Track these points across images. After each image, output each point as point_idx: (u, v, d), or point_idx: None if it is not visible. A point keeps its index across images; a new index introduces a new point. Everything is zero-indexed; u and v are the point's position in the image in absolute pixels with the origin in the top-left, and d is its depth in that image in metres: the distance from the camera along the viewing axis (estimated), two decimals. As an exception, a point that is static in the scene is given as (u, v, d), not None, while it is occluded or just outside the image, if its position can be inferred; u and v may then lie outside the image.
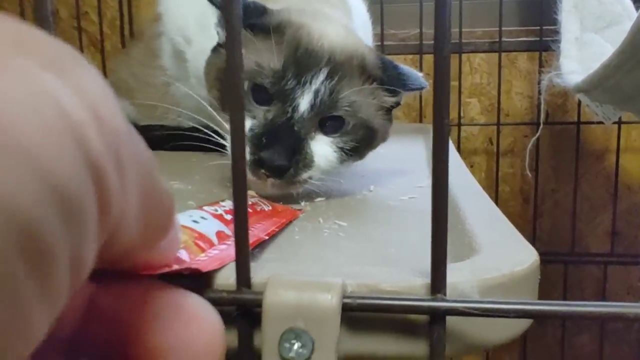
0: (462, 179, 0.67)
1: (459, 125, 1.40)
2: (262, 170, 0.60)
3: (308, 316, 0.25)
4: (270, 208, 0.54)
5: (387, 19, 1.38)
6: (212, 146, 0.67)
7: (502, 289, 0.29)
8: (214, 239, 0.36)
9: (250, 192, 0.57)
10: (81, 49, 1.50)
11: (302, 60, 0.64)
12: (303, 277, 0.27)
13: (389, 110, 0.72)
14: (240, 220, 0.27)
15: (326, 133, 0.65)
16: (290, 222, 0.51)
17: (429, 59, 1.44)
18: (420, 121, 1.41)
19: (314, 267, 0.31)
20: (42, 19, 0.28)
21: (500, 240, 0.38)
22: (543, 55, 1.36)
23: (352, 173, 0.81)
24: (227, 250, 0.34)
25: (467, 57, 1.43)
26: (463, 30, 1.36)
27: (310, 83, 0.63)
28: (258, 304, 0.27)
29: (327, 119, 0.65)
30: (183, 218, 0.37)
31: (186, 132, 0.76)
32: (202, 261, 0.31)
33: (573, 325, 1.44)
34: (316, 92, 0.63)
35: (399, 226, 0.51)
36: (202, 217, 0.39)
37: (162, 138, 0.95)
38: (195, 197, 0.62)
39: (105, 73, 1.45)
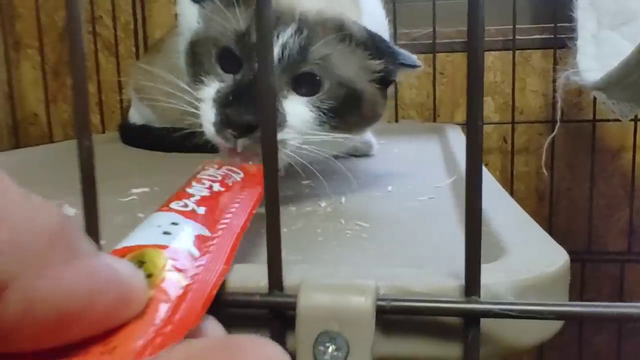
0: (489, 186, 0.66)
1: (473, 124, 1.39)
2: (229, 130, 0.57)
3: (342, 319, 0.25)
4: (241, 175, 0.48)
5: (400, 18, 1.37)
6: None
7: (535, 290, 0.29)
8: (194, 251, 0.31)
9: (216, 162, 0.50)
10: (96, 53, 1.51)
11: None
12: (335, 279, 0.27)
13: (381, 82, 0.68)
14: (272, 224, 0.27)
15: (301, 94, 0.62)
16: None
17: (441, 57, 1.43)
18: (434, 120, 1.41)
19: (343, 269, 0.31)
20: (73, 19, 0.28)
21: (528, 240, 0.37)
22: (558, 52, 1.35)
23: (368, 173, 0.81)
24: (212, 264, 0.30)
25: (481, 55, 1.42)
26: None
27: (277, 37, 0.61)
28: (291, 307, 0.26)
29: (300, 79, 0.62)
30: (151, 232, 0.32)
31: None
32: (194, 294, 0.27)
33: (591, 324, 1.43)
34: (283, 46, 0.60)
35: (422, 227, 0.51)
36: (173, 223, 0.33)
37: (179, 140, 0.96)
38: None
39: (119, 75, 1.46)
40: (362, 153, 0.94)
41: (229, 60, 0.63)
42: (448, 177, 0.76)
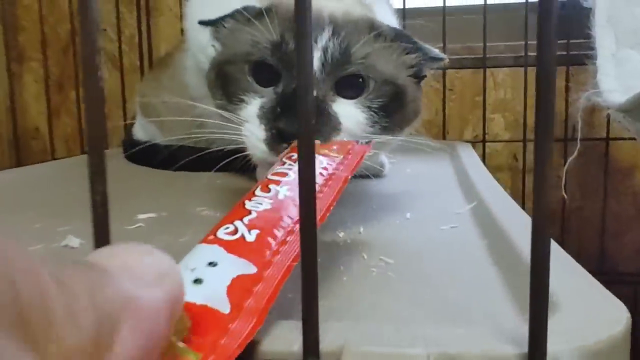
0: (514, 213, 0.63)
1: (484, 141, 1.36)
2: (284, 144, 0.54)
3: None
4: (326, 161, 0.44)
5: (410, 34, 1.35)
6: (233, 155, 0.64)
7: (601, 356, 0.26)
8: (224, 306, 0.27)
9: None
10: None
11: None
12: (381, 346, 0.24)
13: (415, 77, 0.68)
14: (309, 283, 0.24)
15: (348, 97, 0.60)
16: (359, 162, 0.44)
17: (450, 74, 1.41)
18: (444, 138, 1.38)
19: (386, 329, 0.28)
20: (88, 34, 0.25)
21: (582, 292, 0.34)
22: (571, 69, 1.32)
23: (382, 196, 0.78)
24: (243, 322, 0.26)
25: (491, 72, 1.40)
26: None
27: (316, 42, 0.59)
28: (332, 379, 0.24)
29: (344, 82, 0.60)
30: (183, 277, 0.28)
31: (212, 152, 0.74)
32: None
33: None
34: (324, 50, 0.59)
35: (450, 262, 0.48)
36: (211, 264, 0.29)
37: (187, 159, 0.94)
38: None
39: (123, 89, 1.43)
40: (373, 173, 0.91)
41: (265, 74, 0.61)
42: (466, 201, 0.73)
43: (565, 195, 1.23)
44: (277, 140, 0.55)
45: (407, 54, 0.66)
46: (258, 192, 0.37)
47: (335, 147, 0.46)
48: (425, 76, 0.71)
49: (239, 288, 0.28)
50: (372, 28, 0.63)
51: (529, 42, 1.31)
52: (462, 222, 0.61)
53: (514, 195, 1.40)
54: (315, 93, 0.57)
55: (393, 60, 0.64)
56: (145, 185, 0.88)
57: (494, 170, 1.43)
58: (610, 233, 1.38)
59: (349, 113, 0.59)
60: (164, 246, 0.53)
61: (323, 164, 0.43)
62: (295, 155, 0.44)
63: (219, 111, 0.64)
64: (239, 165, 0.72)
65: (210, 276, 0.28)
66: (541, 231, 0.24)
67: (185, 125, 0.99)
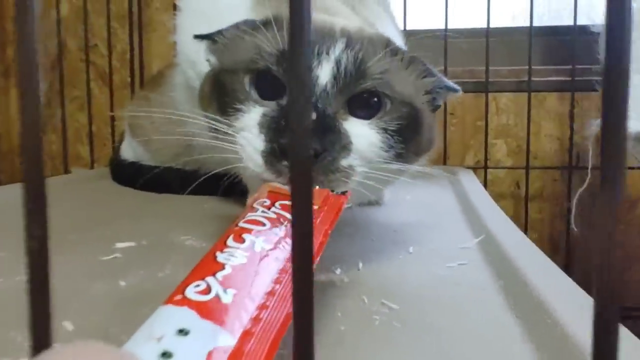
0: (527, 250, 0.58)
1: (485, 167, 1.32)
2: (285, 162, 0.48)
3: None
4: (316, 207, 0.41)
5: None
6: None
7: None
8: None
9: (269, 190, 0.42)
10: (88, 83, 1.44)
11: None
12: None
13: (432, 104, 0.62)
14: (304, 344, 0.19)
15: (360, 117, 0.54)
16: (338, 215, 0.40)
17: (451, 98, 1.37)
18: (444, 163, 1.33)
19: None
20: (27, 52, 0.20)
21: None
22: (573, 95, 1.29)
23: (382, 226, 0.73)
24: None
25: (493, 97, 1.36)
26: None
27: (328, 53, 0.53)
28: None
29: (358, 100, 0.54)
30: (146, 351, 0.23)
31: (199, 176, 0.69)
32: None
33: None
34: (337, 62, 0.53)
35: (462, 309, 0.42)
36: (181, 331, 0.25)
37: (175, 182, 0.89)
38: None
39: (112, 106, 1.38)
40: (372, 201, 0.85)
41: (267, 85, 0.55)
42: (472, 234, 0.68)
43: (575, 228, 1.17)
44: (277, 156, 0.49)
45: (423, 77, 0.61)
46: (230, 242, 0.33)
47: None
48: (439, 106, 0.65)
49: None
50: (388, 45, 0.58)
51: (532, 67, 1.27)
52: (471, 259, 0.56)
53: (515, 224, 1.36)
54: (323, 106, 0.52)
55: (410, 81, 0.59)
56: (128, 209, 0.83)
57: (496, 197, 1.37)
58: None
59: (362, 133, 0.53)
60: (140, 281, 0.47)
61: None
62: (268, 202, 0.40)
63: (211, 122, 0.57)
64: (227, 189, 0.67)
65: (181, 349, 0.23)
66: (607, 324, 0.18)
67: (173, 147, 0.94)
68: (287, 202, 0.39)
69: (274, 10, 0.64)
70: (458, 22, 1.37)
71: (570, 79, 1.27)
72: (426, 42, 1.30)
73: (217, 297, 0.27)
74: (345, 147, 0.51)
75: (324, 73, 0.53)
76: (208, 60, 0.66)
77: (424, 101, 0.61)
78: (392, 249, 0.60)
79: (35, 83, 0.19)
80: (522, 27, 1.40)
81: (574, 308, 0.39)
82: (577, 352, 0.33)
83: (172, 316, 0.26)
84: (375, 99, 0.55)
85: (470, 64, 1.38)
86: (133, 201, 0.90)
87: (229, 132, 0.54)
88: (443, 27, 1.29)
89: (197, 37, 0.66)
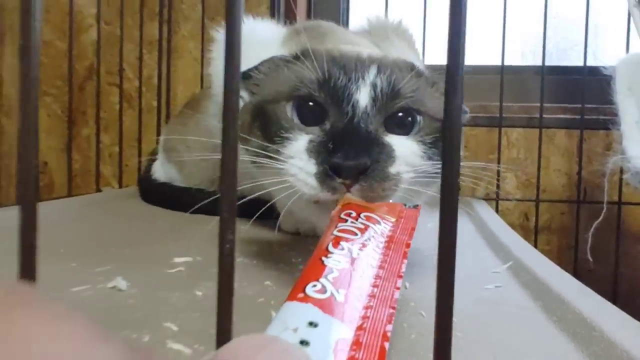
0: (556, 274, 0.62)
1: (497, 199, 1.37)
2: (340, 180, 0.51)
3: None
4: (382, 225, 0.43)
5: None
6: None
7: None
8: None
9: (349, 204, 0.46)
10: (121, 105, 1.49)
11: (346, 64, 0.60)
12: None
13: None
14: (443, 351, 0.23)
15: (397, 134, 0.59)
16: (415, 226, 0.44)
17: (465, 131, 1.42)
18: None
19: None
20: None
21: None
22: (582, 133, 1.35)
23: (411, 250, 0.77)
24: None
25: (505, 131, 1.42)
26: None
27: (364, 78, 0.58)
28: None
29: (393, 119, 0.59)
30: (286, 339, 0.27)
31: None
32: None
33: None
34: (373, 85, 0.58)
35: (510, 325, 0.46)
36: (311, 324, 0.28)
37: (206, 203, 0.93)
38: (269, 276, 0.58)
39: (140, 129, 1.43)
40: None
41: (308, 112, 0.59)
42: (499, 260, 0.72)
43: (590, 258, 1.22)
44: (330, 175, 0.52)
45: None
46: (331, 248, 0.37)
47: (386, 208, 0.46)
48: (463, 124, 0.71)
49: (342, 352, 0.27)
50: (413, 68, 0.63)
51: (544, 105, 1.33)
52: (505, 282, 0.61)
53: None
54: (365, 126, 0.56)
55: (437, 98, 0.64)
56: (169, 227, 0.87)
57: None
58: (622, 298, 1.37)
59: (403, 144, 0.58)
60: (213, 291, 0.51)
61: (381, 224, 0.43)
62: (354, 213, 0.44)
63: (256, 151, 0.60)
64: (262, 213, 0.70)
65: (315, 338, 0.27)
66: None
67: (206, 171, 0.98)
68: (370, 214, 0.43)
69: (302, 45, 0.70)
70: (472, 59, 1.43)
71: (579, 117, 1.33)
72: (442, 78, 1.35)
73: (333, 295, 0.31)
74: (390, 155, 0.55)
75: (363, 96, 0.57)
76: (241, 97, 0.70)
77: None
78: (429, 272, 0.64)
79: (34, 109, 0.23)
80: (534, 66, 1.46)
81: (612, 321, 0.44)
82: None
83: (300, 311, 0.29)
84: (410, 118, 0.60)
85: (485, 99, 1.45)
86: (167, 219, 0.94)
87: (277, 159, 0.57)
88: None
89: None
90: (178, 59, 1.53)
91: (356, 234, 0.39)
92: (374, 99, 0.57)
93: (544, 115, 1.35)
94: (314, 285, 0.32)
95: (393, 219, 0.44)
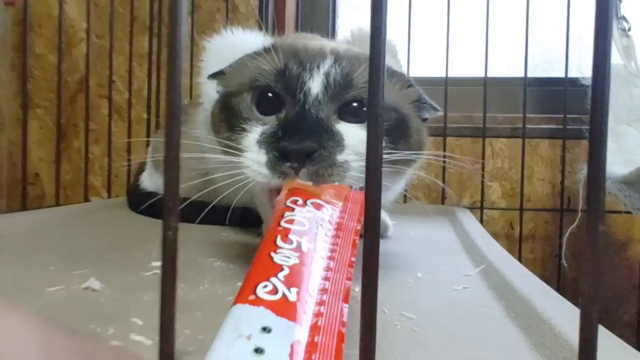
0: (526, 277, 0.64)
1: (482, 208, 1.39)
2: (288, 164, 0.53)
3: None
4: (330, 210, 0.43)
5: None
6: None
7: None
8: None
9: (294, 189, 0.46)
10: (110, 117, 1.51)
11: (304, 56, 0.63)
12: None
13: (418, 113, 0.70)
14: (367, 341, 0.25)
15: (351, 122, 0.61)
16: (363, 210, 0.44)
17: (450, 141, 1.45)
18: (442, 203, 1.40)
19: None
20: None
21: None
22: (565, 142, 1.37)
23: (390, 255, 0.79)
24: None
25: (489, 141, 1.44)
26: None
27: (318, 68, 0.61)
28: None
29: (347, 108, 0.61)
30: (240, 348, 0.27)
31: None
32: None
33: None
34: (327, 74, 0.61)
35: (472, 321, 0.48)
36: (264, 329, 0.28)
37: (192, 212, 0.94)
38: (242, 278, 0.59)
39: (129, 139, 1.45)
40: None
41: (267, 102, 0.62)
42: (473, 264, 0.74)
43: (565, 263, 1.24)
44: (280, 161, 0.54)
45: (407, 87, 0.69)
46: (280, 242, 0.36)
47: (332, 191, 0.46)
48: (427, 119, 0.73)
49: (298, 356, 0.28)
50: None
51: (526, 115, 1.35)
52: (474, 284, 0.62)
53: (510, 263, 1.42)
54: (315, 112, 0.59)
55: (395, 91, 0.66)
56: (151, 234, 0.88)
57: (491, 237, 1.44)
58: (605, 306, 1.39)
59: (353, 132, 0.60)
60: (184, 292, 0.53)
61: (328, 211, 0.42)
62: (300, 200, 0.43)
63: (222, 142, 0.63)
64: (241, 219, 0.72)
65: (269, 344, 0.27)
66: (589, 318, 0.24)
67: (193, 180, 1.00)
68: (317, 200, 0.43)
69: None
70: (457, 71, 1.45)
71: (562, 127, 1.35)
72: (428, 89, 1.40)
73: (285, 296, 0.31)
74: (339, 143, 0.57)
75: (315, 84, 0.60)
76: (218, 92, 0.73)
77: (410, 107, 0.68)
78: (402, 274, 0.66)
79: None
80: (517, 78, 1.49)
81: (563, 316, 0.46)
82: (568, 349, 0.39)
83: (253, 316, 0.29)
84: (364, 108, 0.62)
85: (469, 110, 1.47)
86: (153, 227, 0.96)
87: (237, 153, 0.59)
88: (444, 75, 1.37)
89: (210, 76, 0.73)
90: (168, 72, 1.55)
91: (304, 225, 0.39)
92: (326, 87, 0.60)
93: (528, 126, 1.37)
94: (265, 286, 0.31)
95: (340, 203, 0.44)
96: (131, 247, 0.76)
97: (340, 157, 0.56)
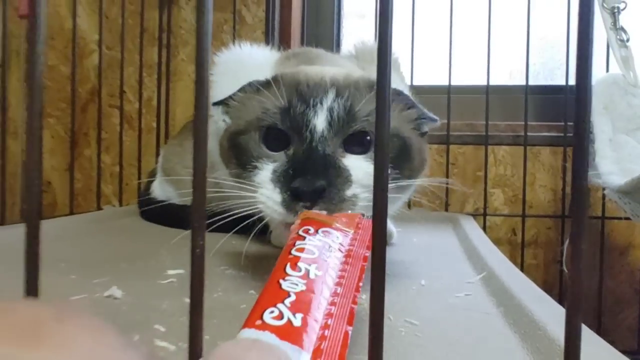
0: (524, 284, 0.67)
1: (485, 215, 1.41)
2: (301, 203, 0.57)
3: None
4: (340, 238, 0.45)
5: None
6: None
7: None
8: None
9: (308, 220, 0.48)
10: (121, 126, 1.54)
11: (306, 91, 0.65)
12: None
13: (418, 130, 0.72)
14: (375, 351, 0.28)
15: (356, 153, 0.64)
16: None
17: (453, 149, 1.47)
18: (446, 210, 1.43)
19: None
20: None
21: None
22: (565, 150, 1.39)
23: (395, 263, 0.81)
24: None
25: (492, 149, 1.47)
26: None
27: (321, 103, 0.63)
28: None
29: (352, 139, 0.64)
30: None
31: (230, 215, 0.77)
32: None
33: None
34: (330, 110, 0.63)
35: (471, 326, 0.51)
36: None
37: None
38: (254, 286, 0.62)
39: (139, 149, 1.48)
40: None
41: (274, 139, 0.65)
42: (475, 271, 0.77)
43: (565, 269, 1.26)
44: (293, 200, 0.58)
45: (408, 108, 0.71)
46: (289, 270, 0.38)
47: (344, 220, 0.48)
48: (427, 132, 0.75)
49: None
50: (372, 86, 0.67)
51: (528, 123, 1.38)
52: (475, 291, 0.65)
53: (512, 268, 1.45)
54: (322, 149, 0.61)
55: (395, 115, 0.68)
56: (165, 243, 0.91)
57: (494, 243, 1.46)
58: (607, 310, 1.41)
59: (359, 165, 0.62)
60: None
61: (339, 239, 0.44)
62: (312, 229, 0.45)
63: (234, 180, 0.66)
64: (253, 229, 0.75)
65: None
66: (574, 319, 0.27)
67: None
68: (328, 229, 0.45)
69: (293, 68, 0.75)
70: (460, 79, 1.48)
71: (562, 134, 1.38)
72: (431, 97, 1.44)
73: (290, 321, 0.33)
74: (347, 179, 0.60)
75: (320, 121, 0.63)
76: (224, 121, 0.76)
77: (410, 129, 0.70)
78: (407, 281, 0.69)
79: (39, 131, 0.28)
80: (519, 86, 1.52)
81: (558, 322, 0.48)
82: (561, 353, 0.41)
83: (259, 339, 0.31)
84: (368, 138, 0.64)
85: (472, 118, 1.50)
86: (164, 236, 0.99)
87: (249, 189, 0.63)
88: (447, 83, 1.40)
89: (215, 104, 0.75)
90: (177, 82, 1.59)
91: (313, 253, 0.41)
92: (331, 123, 0.63)
93: (530, 133, 1.40)
94: (272, 312, 0.33)
95: (351, 231, 0.46)
96: (145, 255, 0.79)
97: (349, 192, 0.59)
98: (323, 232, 0.45)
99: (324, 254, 0.41)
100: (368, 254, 0.44)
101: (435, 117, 0.73)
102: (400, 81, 1.02)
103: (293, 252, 0.42)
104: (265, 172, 0.63)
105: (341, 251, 0.43)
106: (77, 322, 0.19)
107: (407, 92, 0.98)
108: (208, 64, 0.29)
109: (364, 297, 0.60)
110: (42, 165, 0.27)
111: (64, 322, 0.18)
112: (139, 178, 1.46)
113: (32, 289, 0.29)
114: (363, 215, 0.51)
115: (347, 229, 0.47)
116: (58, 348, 0.17)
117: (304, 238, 0.44)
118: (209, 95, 0.29)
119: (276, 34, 1.53)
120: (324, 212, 0.54)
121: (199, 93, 0.29)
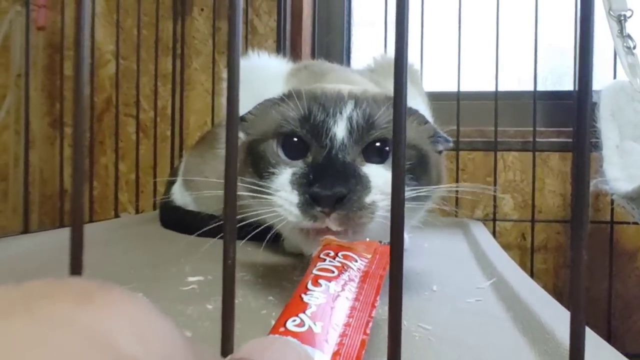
0: (533, 290, 0.69)
1: (494, 220, 1.43)
2: (319, 208, 0.57)
3: None
4: (358, 263, 0.47)
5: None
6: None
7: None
8: None
9: (330, 245, 0.49)
10: (137, 135, 1.57)
11: (325, 101, 0.66)
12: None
13: (435, 148, 0.73)
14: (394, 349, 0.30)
15: (375, 162, 0.64)
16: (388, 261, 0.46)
17: (463, 155, 1.50)
18: (456, 215, 1.45)
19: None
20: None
21: None
22: (574, 155, 1.41)
23: (406, 268, 0.84)
24: None
25: (501, 154, 1.49)
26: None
27: (341, 113, 0.64)
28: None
29: (371, 148, 0.64)
30: None
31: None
32: None
33: None
34: (349, 119, 0.64)
35: (482, 331, 0.53)
36: None
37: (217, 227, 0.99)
38: (272, 292, 0.65)
39: (155, 157, 1.51)
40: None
41: (293, 147, 0.66)
42: (485, 277, 0.79)
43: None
44: (311, 204, 0.58)
45: (424, 124, 0.72)
46: (310, 286, 0.41)
47: (363, 246, 0.50)
48: (442, 151, 0.76)
49: None
50: (389, 99, 0.67)
51: (537, 129, 1.40)
52: (486, 297, 0.67)
53: (522, 273, 1.46)
54: (342, 157, 0.62)
55: (413, 128, 0.69)
56: (183, 250, 0.94)
57: (503, 247, 1.47)
58: (617, 314, 1.42)
59: (379, 173, 0.63)
60: (220, 307, 0.58)
61: (357, 262, 0.47)
62: (332, 252, 0.48)
63: (249, 186, 0.66)
64: (266, 237, 0.77)
65: None
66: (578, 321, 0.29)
67: (219, 201, 1.05)
68: (347, 252, 0.48)
69: (303, 81, 0.77)
70: (469, 85, 1.50)
71: (571, 140, 1.40)
72: (441, 104, 1.46)
73: (310, 328, 0.35)
74: (366, 186, 0.60)
75: (340, 129, 0.63)
76: (239, 138, 0.78)
77: (428, 144, 0.71)
78: (419, 287, 0.71)
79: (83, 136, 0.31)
80: (528, 92, 1.54)
81: (565, 326, 0.50)
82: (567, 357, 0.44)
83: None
84: (387, 147, 0.65)
85: (481, 124, 1.52)
86: (182, 242, 1.02)
87: (266, 193, 0.63)
88: (456, 89, 1.42)
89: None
90: (190, 91, 1.62)
91: (333, 272, 0.43)
92: (350, 131, 0.63)
93: (539, 139, 1.42)
94: (294, 320, 0.36)
95: (369, 256, 0.48)
96: (165, 262, 0.82)
97: (368, 199, 0.59)
98: (343, 255, 0.48)
99: (343, 274, 0.44)
100: (384, 272, 0.46)
101: (449, 138, 0.74)
102: (418, 94, 1.03)
103: (314, 271, 0.44)
104: (284, 176, 0.63)
105: (359, 271, 0.45)
106: (120, 291, 0.21)
107: (426, 106, 1.00)
108: (238, 85, 0.32)
109: (379, 302, 0.63)
110: (83, 188, 0.30)
111: (110, 290, 0.21)
112: (154, 186, 1.50)
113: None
114: (381, 242, 0.52)
115: (365, 254, 0.48)
116: (107, 306, 0.19)
117: (325, 260, 0.47)
118: (238, 114, 0.32)
119: (287, 43, 1.56)
120: (340, 229, 0.56)
121: (230, 113, 0.31)
